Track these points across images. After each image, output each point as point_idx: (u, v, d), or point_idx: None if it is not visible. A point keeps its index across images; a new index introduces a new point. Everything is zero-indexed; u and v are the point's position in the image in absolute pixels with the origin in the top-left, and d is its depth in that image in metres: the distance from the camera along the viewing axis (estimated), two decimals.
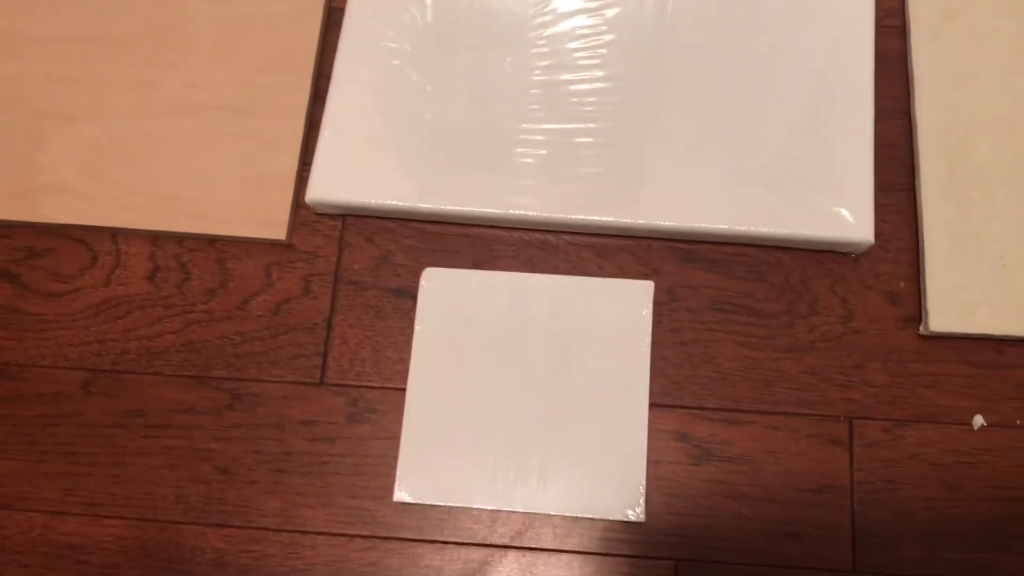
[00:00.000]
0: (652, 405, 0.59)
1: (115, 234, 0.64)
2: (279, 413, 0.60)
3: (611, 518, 0.57)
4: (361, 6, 0.66)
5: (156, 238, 0.64)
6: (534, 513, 0.57)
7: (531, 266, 0.62)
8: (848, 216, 0.59)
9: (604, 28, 0.64)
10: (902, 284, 0.60)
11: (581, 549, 0.57)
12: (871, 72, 0.62)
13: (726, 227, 0.60)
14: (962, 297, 0.58)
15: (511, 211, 0.61)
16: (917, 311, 0.60)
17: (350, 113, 0.63)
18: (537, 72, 0.64)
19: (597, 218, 0.61)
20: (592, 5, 0.65)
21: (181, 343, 0.62)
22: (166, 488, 0.59)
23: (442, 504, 0.58)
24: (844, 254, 0.61)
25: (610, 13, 0.64)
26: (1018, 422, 0.58)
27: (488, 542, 0.57)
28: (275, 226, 0.63)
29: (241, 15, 0.67)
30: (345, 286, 0.62)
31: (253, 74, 0.66)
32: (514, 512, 0.57)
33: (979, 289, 0.58)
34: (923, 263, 0.59)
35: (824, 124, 0.61)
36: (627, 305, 0.61)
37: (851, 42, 0.63)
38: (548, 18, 0.65)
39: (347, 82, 0.64)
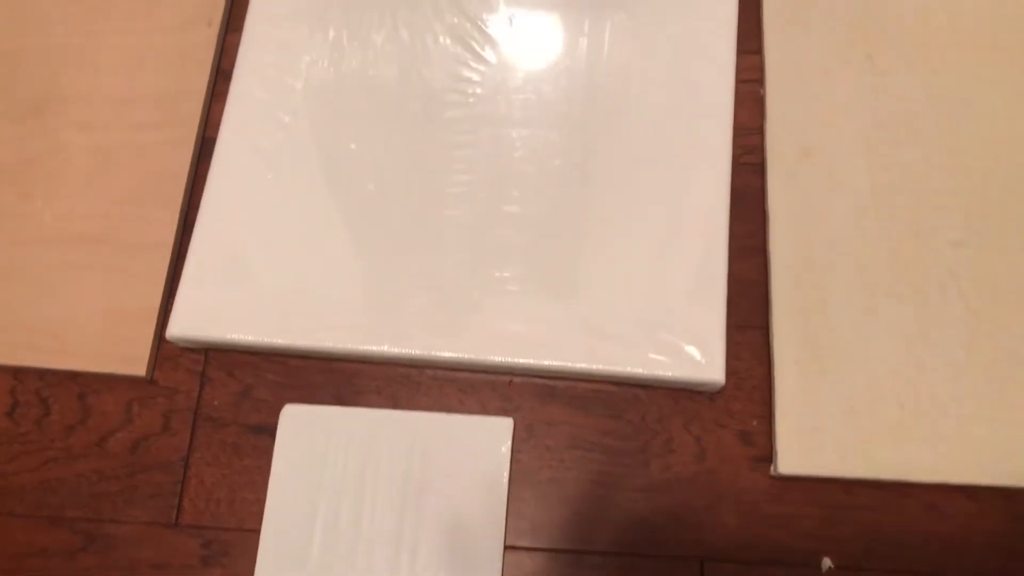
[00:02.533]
0: (508, 547, 0.59)
1: None
2: (132, 556, 0.59)
3: None
4: (232, 137, 0.67)
5: (18, 372, 0.64)
6: None
7: (394, 401, 0.62)
8: (699, 357, 0.60)
9: (462, 168, 0.65)
10: (755, 423, 0.61)
11: None
12: (726, 213, 0.63)
13: (584, 365, 0.60)
14: (811, 439, 0.59)
15: (366, 347, 0.61)
16: (769, 450, 0.61)
17: (214, 248, 0.64)
18: (396, 209, 0.64)
19: (456, 355, 0.61)
20: (454, 140, 0.66)
21: (37, 481, 0.61)
22: None
23: None
24: (699, 392, 0.62)
25: (462, 154, 0.65)
26: (865, 564, 0.58)
27: None
28: (136, 362, 0.62)
29: (112, 144, 0.68)
30: (204, 422, 0.62)
31: (122, 205, 0.66)
32: None
33: (828, 431, 0.59)
34: (774, 404, 0.60)
35: (678, 264, 0.62)
36: (486, 442, 0.61)
37: (708, 181, 0.64)
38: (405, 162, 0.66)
39: (213, 216, 0.65)
